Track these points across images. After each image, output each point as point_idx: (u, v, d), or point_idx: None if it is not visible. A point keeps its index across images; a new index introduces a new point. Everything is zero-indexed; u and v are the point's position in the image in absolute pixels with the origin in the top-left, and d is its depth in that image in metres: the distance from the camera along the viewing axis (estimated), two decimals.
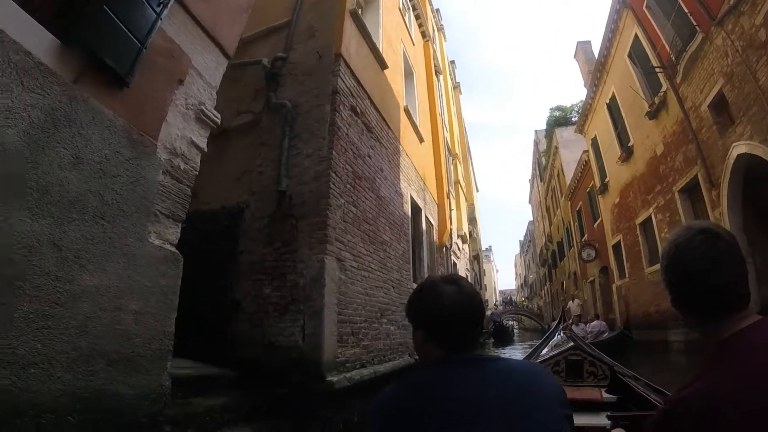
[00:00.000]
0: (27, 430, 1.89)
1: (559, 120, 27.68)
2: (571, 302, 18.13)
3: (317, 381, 4.57)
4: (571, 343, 4.44)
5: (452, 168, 17.19)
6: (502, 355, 5.58)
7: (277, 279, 5.31)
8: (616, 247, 15.51)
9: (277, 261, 5.41)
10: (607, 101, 14.68)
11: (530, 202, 51.34)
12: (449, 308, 1.10)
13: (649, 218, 12.06)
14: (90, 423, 2.16)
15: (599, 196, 17.01)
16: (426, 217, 10.14)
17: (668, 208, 10.84)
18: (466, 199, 20.54)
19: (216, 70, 3.51)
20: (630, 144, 13.13)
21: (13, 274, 1.91)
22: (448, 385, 1.01)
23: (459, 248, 16.05)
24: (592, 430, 2.69)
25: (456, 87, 26.36)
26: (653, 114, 11.16)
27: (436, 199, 11.81)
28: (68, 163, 2.20)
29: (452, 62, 26.47)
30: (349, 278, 5.52)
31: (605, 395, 3.48)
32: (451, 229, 13.90)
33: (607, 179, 15.82)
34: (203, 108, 3.25)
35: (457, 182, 17.26)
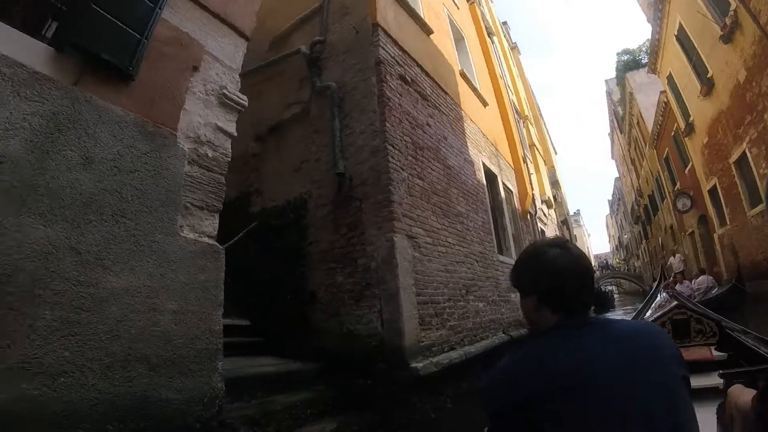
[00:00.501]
0: None
1: (628, 64, 24.88)
2: (672, 258, 16.01)
3: (400, 368, 4.13)
4: (675, 302, 4.17)
5: (524, 131, 15.90)
6: None
7: (348, 265, 4.95)
8: (713, 192, 13.56)
9: (346, 247, 5.05)
10: (675, 33, 12.78)
11: (613, 157, 47.45)
12: (559, 270, 1.06)
13: (744, 154, 10.38)
14: (133, 431, 2.01)
15: (686, 139, 14.91)
16: (503, 183, 9.27)
17: (763, 140, 9.20)
18: (545, 162, 19.00)
19: (235, 53, 3.25)
20: (709, 75, 11.33)
21: (29, 282, 1.81)
22: (568, 351, 0.97)
23: (545, 214, 14.77)
24: (704, 391, 2.51)
25: (514, 48, 24.58)
26: (727, 37, 9.67)
27: (511, 164, 10.82)
28: (78, 165, 2.09)
29: (504, 23, 24.71)
30: (424, 255, 4.96)
31: (715, 353, 3.32)
32: (533, 194, 12.77)
33: (691, 119, 13.82)
34: (225, 92, 3.02)
35: (532, 145, 15.90)
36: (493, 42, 13.93)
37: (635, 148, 27.85)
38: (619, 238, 62.98)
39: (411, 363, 4.17)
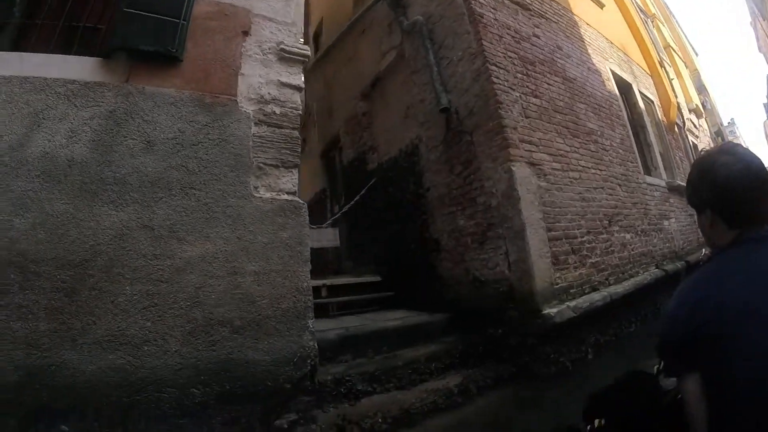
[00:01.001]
0: (147, 405, 1.87)
1: None
2: None
3: (532, 315, 3.55)
4: None
5: (655, 32, 13.13)
6: None
7: (468, 206, 4.39)
8: None
9: (463, 186, 4.48)
10: None
11: (760, 50, 38.07)
12: (731, 179, 0.93)
13: None
14: (219, 394, 2.03)
15: None
16: (640, 92, 7.60)
17: None
18: (685, 65, 15.64)
19: (286, 7, 3.06)
20: None
21: (107, 263, 1.97)
22: (746, 271, 0.88)
23: (695, 125, 12.20)
24: None
25: None
26: None
27: (647, 70, 8.89)
28: (140, 150, 2.21)
29: None
30: (552, 184, 4.11)
31: None
32: (677, 103, 10.52)
33: None
34: (284, 47, 2.88)
35: (667, 47, 13.08)
36: None
37: None
38: None
39: (544, 309, 3.53)
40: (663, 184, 6.74)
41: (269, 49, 2.80)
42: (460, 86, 4.55)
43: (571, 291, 3.89)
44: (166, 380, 1.92)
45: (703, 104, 15.03)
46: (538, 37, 5.14)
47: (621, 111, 6.21)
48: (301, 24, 3.14)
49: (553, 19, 5.76)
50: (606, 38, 7.29)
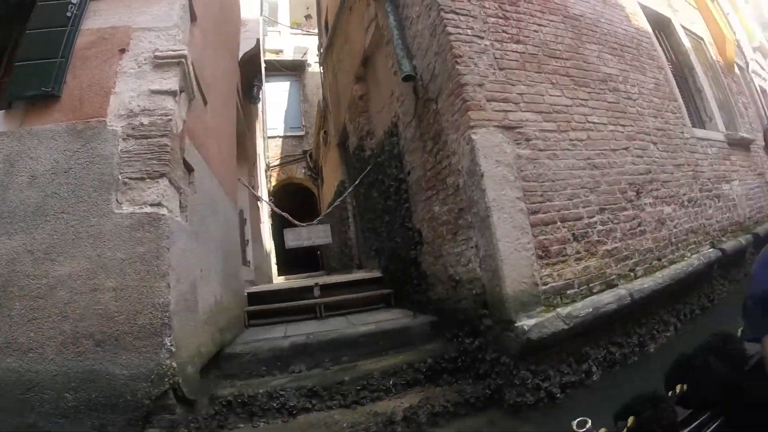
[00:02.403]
0: (34, 403, 1.99)
1: None
2: None
3: (504, 327, 2.47)
4: None
5: None
6: None
7: (441, 190, 3.33)
8: None
9: (435, 166, 3.42)
10: None
11: None
12: None
13: None
14: (87, 401, 2.02)
15: None
16: (684, 28, 5.79)
17: None
18: None
19: (170, 10, 2.75)
20: None
21: (3, 283, 2.10)
22: None
23: (762, 66, 9.74)
24: None
25: None
26: None
27: (693, 3, 6.95)
28: (26, 184, 2.26)
29: None
30: (541, 151, 2.83)
31: None
32: (737, 40, 8.31)
33: None
34: (158, 53, 2.59)
35: None
36: None
37: None
38: None
39: (517, 319, 2.41)
40: (721, 137, 5.04)
41: (144, 60, 2.58)
42: (422, 47, 3.43)
43: (569, 292, 2.65)
44: (45, 383, 2.01)
45: None
46: None
47: (655, 50, 4.59)
48: (187, 24, 2.88)
49: None
50: None
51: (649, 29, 4.78)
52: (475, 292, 2.78)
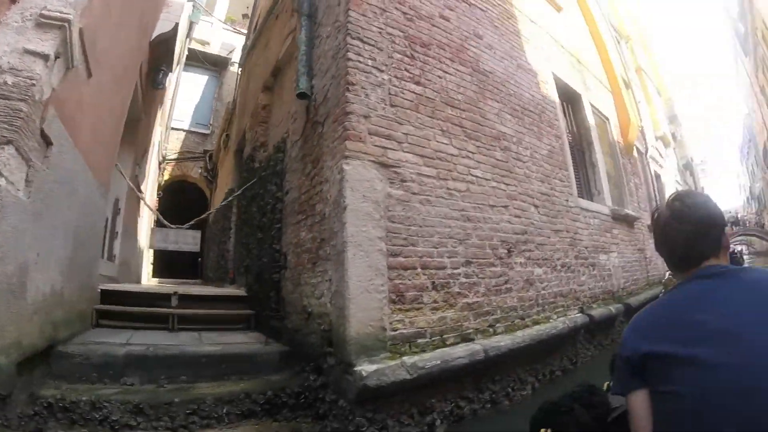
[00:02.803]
0: None
1: None
2: None
3: (345, 370, 2.41)
4: None
5: (627, 52, 12.18)
6: None
7: (310, 215, 3.29)
8: None
9: (309, 190, 3.35)
10: None
11: (739, 90, 37.70)
12: (667, 227, 1.05)
13: None
14: None
15: None
16: (592, 106, 6.45)
17: None
18: (659, 92, 14.70)
19: None
20: None
21: None
22: (693, 300, 0.96)
23: (660, 154, 11.13)
24: None
25: None
26: None
27: (606, 86, 7.80)
28: None
29: None
30: (414, 194, 2.88)
31: None
32: (641, 126, 9.44)
33: None
34: (44, 11, 2.39)
35: (639, 69, 12.10)
36: None
37: (763, 71, 20.93)
38: (750, 188, 51.90)
39: (357, 363, 2.35)
40: (607, 211, 5.57)
41: (30, 15, 2.37)
42: (323, 68, 3.43)
43: (420, 341, 2.66)
44: None
45: (673, 134, 14.05)
46: (447, 19, 3.97)
47: (557, 120, 5.03)
48: None
49: (480, 6, 4.62)
50: (555, 40, 6.18)
51: (557, 100, 5.23)
52: (323, 328, 2.70)
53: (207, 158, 11.17)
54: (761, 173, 36.13)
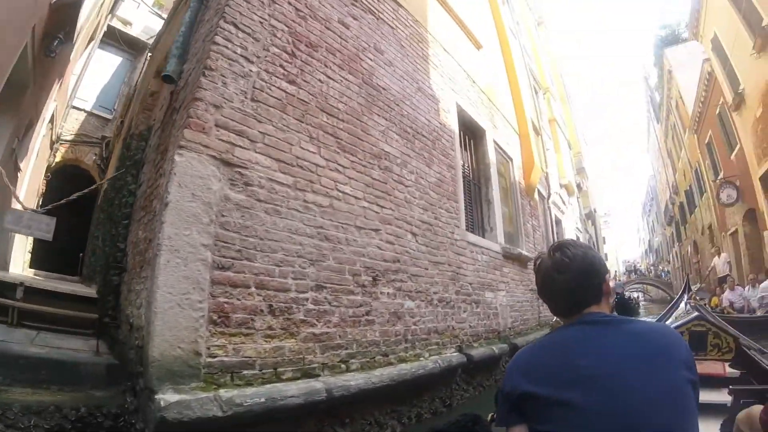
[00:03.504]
0: None
1: (667, 39, 21.43)
2: (716, 258, 12.58)
3: (148, 395, 2.10)
4: (696, 313, 3.94)
5: (544, 103, 13.32)
6: None
7: (148, 211, 3.00)
8: (767, 180, 10.57)
9: (153, 183, 3.02)
10: None
11: (647, 152, 43.67)
12: (547, 277, 1.13)
13: None
14: None
15: (734, 114, 11.83)
16: (496, 144, 6.79)
17: None
18: (569, 145, 16.22)
19: None
20: (764, 24, 8.49)
21: None
22: (573, 345, 1.02)
23: (563, 201, 12.09)
24: (712, 406, 2.48)
25: (540, 23, 21.71)
26: None
27: (515, 129, 8.33)
28: None
29: None
30: (260, 202, 2.65)
31: (728, 369, 3.27)
32: (546, 173, 10.19)
33: (741, 87, 10.80)
34: None
35: (552, 120, 13.27)
36: None
37: (672, 137, 24.41)
38: (649, 241, 59.70)
39: (159, 390, 2.03)
40: (498, 249, 5.75)
41: None
42: (195, 51, 3.17)
43: (247, 373, 2.38)
44: None
45: (578, 185, 15.45)
46: (346, 26, 3.93)
47: (453, 150, 5.15)
48: None
49: (389, 23, 4.68)
50: (468, 75, 6.47)
51: (456, 130, 5.39)
52: (137, 344, 2.33)
53: (104, 145, 10.26)
54: (661, 229, 41.29)
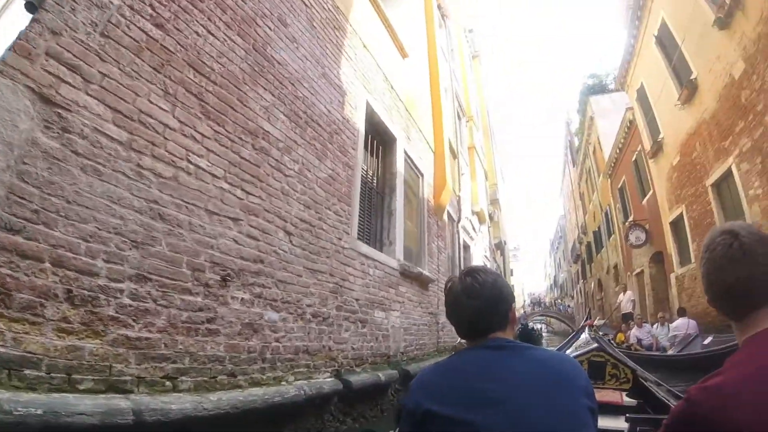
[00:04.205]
0: None
1: (593, 88, 23.69)
2: (621, 295, 13.63)
3: None
4: (595, 344, 4.25)
5: (466, 130, 13.83)
6: None
7: None
8: (677, 224, 11.79)
9: None
10: (656, 33, 11.03)
11: (561, 194, 48.47)
12: (456, 300, 1.20)
13: (728, 172, 8.50)
14: None
15: (650, 161, 13.24)
16: (407, 156, 6.68)
17: (760, 149, 7.22)
18: (486, 176, 16.99)
19: None
20: (692, 77, 9.47)
21: None
22: (477, 367, 1.09)
23: (474, 228, 12.45)
24: None
25: (475, 56, 22.94)
26: (723, 21, 7.75)
27: (431, 146, 8.35)
28: None
29: (471, 31, 23.08)
30: (76, 154, 2.09)
31: (626, 399, 3.43)
32: (458, 197, 10.38)
33: (660, 136, 12.12)
34: None
35: (472, 148, 13.78)
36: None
37: (587, 181, 27.05)
38: (554, 277, 65.19)
39: None
40: (394, 264, 5.53)
41: None
42: None
43: (28, 374, 1.81)
44: None
45: (491, 215, 16.11)
46: None
47: (355, 150, 4.90)
48: None
49: (305, 1, 4.39)
50: (387, 80, 6.34)
51: (362, 130, 5.15)
52: None
53: None
54: (567, 266, 45.10)
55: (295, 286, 3.56)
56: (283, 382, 3.38)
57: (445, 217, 8.77)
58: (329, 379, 3.88)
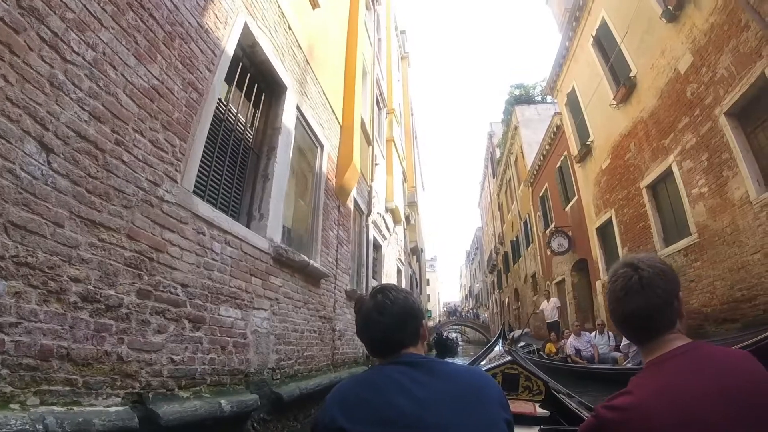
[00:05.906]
0: None
1: (519, 99, 24.06)
2: (544, 303, 12.94)
3: None
4: (509, 357, 4.45)
5: (386, 121, 12.88)
6: None
7: None
8: (604, 230, 11.63)
9: None
10: (594, 32, 10.92)
11: (479, 206, 49.73)
12: (368, 318, 1.22)
13: (668, 172, 8.30)
14: None
15: (577, 166, 13.09)
16: (300, 114, 5.34)
17: (707, 145, 7.01)
18: (405, 177, 16.19)
19: None
20: (632, 74, 9.32)
21: None
22: (390, 383, 1.07)
23: (388, 227, 11.37)
24: None
25: (404, 57, 22.34)
26: (672, 14, 7.56)
27: (338, 118, 7.10)
28: None
29: (403, 32, 22.54)
30: None
31: (539, 410, 3.56)
32: (371, 186, 9.22)
33: (590, 139, 11.99)
34: None
35: (390, 141, 12.83)
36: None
37: (506, 191, 27.50)
38: (470, 287, 67.29)
39: None
40: (264, 245, 4.12)
41: None
42: None
43: None
44: None
45: (408, 217, 15.23)
46: None
47: (209, 72, 3.39)
48: None
49: None
50: (285, 18, 5.05)
51: (229, 52, 3.76)
52: None
53: None
54: (482, 276, 46.67)
55: (49, 241, 2.07)
56: (10, 407, 1.89)
57: (351, 204, 7.51)
58: (117, 409, 2.40)
